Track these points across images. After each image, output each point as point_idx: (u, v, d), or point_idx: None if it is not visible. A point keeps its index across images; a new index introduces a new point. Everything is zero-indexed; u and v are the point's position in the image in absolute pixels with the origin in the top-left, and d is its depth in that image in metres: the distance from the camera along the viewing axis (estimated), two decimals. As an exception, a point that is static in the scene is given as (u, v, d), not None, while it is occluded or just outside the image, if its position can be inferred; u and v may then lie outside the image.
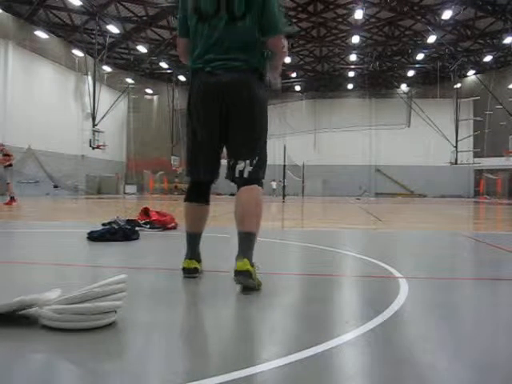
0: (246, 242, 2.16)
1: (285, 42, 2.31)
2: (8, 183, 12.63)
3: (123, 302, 1.55)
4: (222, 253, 3.48)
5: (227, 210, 10.20)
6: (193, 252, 2.41)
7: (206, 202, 2.47)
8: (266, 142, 2.37)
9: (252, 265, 2.11)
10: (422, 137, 36.52)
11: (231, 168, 2.29)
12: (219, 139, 2.31)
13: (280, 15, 2.26)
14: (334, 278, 2.56)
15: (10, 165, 12.80)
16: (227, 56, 2.21)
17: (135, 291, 1.97)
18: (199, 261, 2.43)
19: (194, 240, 2.43)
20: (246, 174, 2.25)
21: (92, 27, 26.29)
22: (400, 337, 1.51)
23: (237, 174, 2.26)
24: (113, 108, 30.31)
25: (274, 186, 32.93)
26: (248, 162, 2.25)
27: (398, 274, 2.53)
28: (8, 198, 12.51)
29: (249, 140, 2.28)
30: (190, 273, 2.36)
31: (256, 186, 2.27)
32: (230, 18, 2.19)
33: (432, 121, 34.00)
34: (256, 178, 2.28)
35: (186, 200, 2.46)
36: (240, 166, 2.26)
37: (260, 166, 2.29)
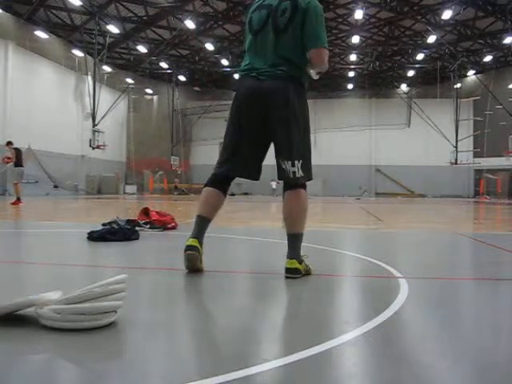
0: (292, 242, 2.45)
1: (325, 56, 2.46)
2: (15, 183, 12.64)
3: (123, 302, 1.55)
4: (222, 253, 3.48)
5: (227, 210, 10.20)
6: (198, 234, 2.46)
7: (224, 192, 2.59)
8: (308, 147, 2.53)
9: (300, 262, 2.42)
10: (421, 137, 36.50)
11: (278, 168, 2.47)
12: (258, 140, 2.50)
13: (321, 29, 2.44)
14: (334, 278, 2.56)
15: (20, 165, 12.78)
16: (270, 65, 2.43)
17: (135, 291, 1.97)
18: (201, 245, 2.46)
19: (202, 223, 2.50)
20: (292, 175, 2.42)
21: (92, 27, 26.26)
22: (400, 337, 1.52)
23: (284, 174, 2.44)
24: (113, 108, 30.28)
25: (274, 186, 32.90)
26: (290, 163, 2.42)
27: (398, 274, 2.53)
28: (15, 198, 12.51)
29: (287, 142, 2.42)
30: (191, 249, 2.39)
31: (300, 190, 2.47)
32: (274, 31, 2.43)
33: (432, 121, 33.97)
34: (300, 181, 2.45)
35: (206, 185, 2.58)
36: (284, 166, 2.43)
37: (303, 168, 2.44)
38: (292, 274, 2.38)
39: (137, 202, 16.24)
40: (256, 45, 2.50)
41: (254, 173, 2.57)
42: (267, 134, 2.48)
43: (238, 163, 2.52)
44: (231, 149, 2.52)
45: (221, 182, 2.57)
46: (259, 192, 32.56)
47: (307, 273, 2.46)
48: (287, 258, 2.42)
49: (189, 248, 2.40)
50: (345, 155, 38.32)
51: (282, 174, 2.46)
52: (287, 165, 2.42)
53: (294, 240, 2.46)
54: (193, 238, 2.43)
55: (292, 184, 2.46)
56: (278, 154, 2.47)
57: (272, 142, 2.51)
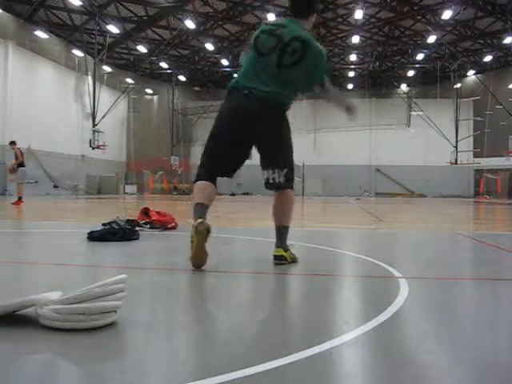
0: (280, 232, 2.77)
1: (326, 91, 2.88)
2: (19, 183, 12.67)
3: (123, 301, 1.55)
4: (223, 253, 3.48)
5: (229, 211, 10.20)
6: (202, 215, 2.56)
7: (214, 185, 2.76)
8: (291, 157, 2.82)
9: (286, 250, 2.74)
10: (421, 137, 36.47)
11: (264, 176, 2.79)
12: (238, 148, 2.75)
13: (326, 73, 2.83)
14: (334, 278, 2.56)
15: (22, 165, 12.81)
16: (263, 88, 2.64)
17: (135, 291, 1.97)
18: None
19: (202, 208, 2.62)
20: (272, 181, 2.73)
21: (92, 27, 26.27)
22: (400, 337, 1.51)
23: (267, 181, 2.76)
24: (113, 108, 30.27)
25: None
26: (276, 171, 2.71)
27: (397, 274, 2.52)
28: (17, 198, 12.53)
29: (274, 154, 2.74)
30: (202, 223, 2.46)
31: (287, 190, 2.79)
32: (278, 64, 2.64)
33: (432, 121, 33.95)
34: (286, 185, 2.76)
35: (196, 180, 2.77)
36: (267, 174, 2.75)
37: (288, 175, 2.75)
38: (278, 260, 2.70)
39: (137, 202, 16.24)
40: (256, 65, 2.70)
41: (227, 173, 2.85)
42: (250, 145, 2.76)
43: (222, 166, 2.80)
44: (216, 154, 2.77)
45: (211, 179, 2.77)
46: (259, 192, 32.54)
47: (293, 260, 2.76)
48: (275, 246, 2.74)
49: (200, 222, 2.46)
50: (345, 155, 38.28)
51: (264, 180, 2.77)
52: (268, 173, 2.75)
53: (281, 231, 2.78)
54: (201, 218, 2.51)
55: (277, 188, 2.77)
56: (263, 165, 2.79)
57: (260, 153, 2.82)
